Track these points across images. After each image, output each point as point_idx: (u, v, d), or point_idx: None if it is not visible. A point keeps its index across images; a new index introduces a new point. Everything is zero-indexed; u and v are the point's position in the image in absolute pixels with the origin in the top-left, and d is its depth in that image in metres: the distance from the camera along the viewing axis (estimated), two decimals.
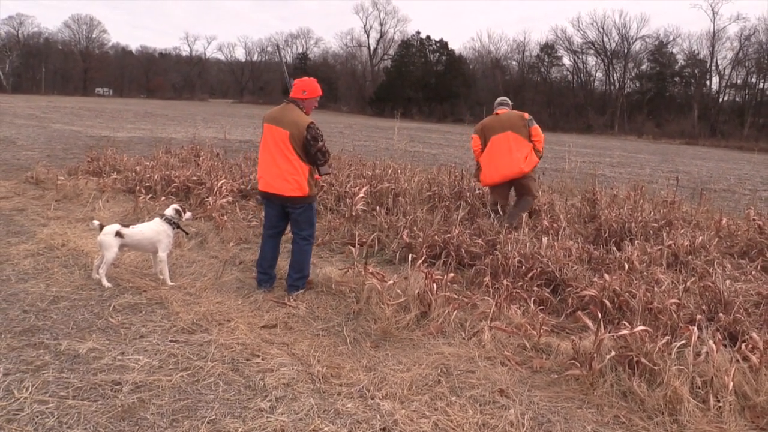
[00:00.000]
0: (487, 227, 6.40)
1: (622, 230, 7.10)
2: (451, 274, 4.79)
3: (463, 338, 4.24)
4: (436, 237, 5.96)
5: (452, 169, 10.29)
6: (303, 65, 64.54)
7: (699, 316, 4.08)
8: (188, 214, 5.34)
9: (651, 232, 7.24)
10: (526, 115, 7.56)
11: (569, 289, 4.97)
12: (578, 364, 3.60)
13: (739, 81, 47.90)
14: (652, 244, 6.50)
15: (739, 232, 7.60)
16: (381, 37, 63.85)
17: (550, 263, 5.23)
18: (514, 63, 56.02)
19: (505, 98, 8.12)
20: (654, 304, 4.31)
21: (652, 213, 7.94)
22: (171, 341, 3.98)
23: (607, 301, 4.49)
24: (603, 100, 49.66)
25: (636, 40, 50.86)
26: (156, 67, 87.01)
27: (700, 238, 6.70)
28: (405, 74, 56.60)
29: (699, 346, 3.58)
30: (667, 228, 7.34)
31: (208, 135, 19.55)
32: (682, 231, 7.09)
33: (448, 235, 5.93)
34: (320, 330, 4.33)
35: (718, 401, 3.30)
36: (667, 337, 3.64)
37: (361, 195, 7.09)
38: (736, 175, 19.46)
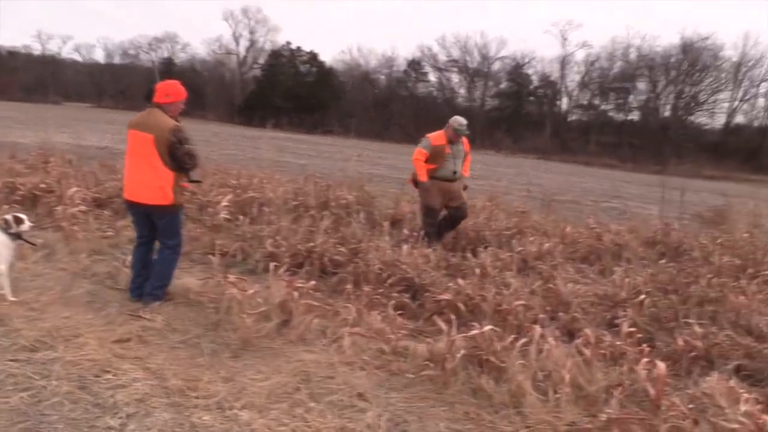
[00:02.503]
0: (350, 235, 6.52)
1: (477, 238, 7.53)
2: (313, 282, 4.84)
3: (324, 345, 4.30)
4: (299, 246, 5.98)
5: (319, 179, 10.36)
6: (169, 70, 61.94)
7: (542, 316, 4.44)
8: (26, 224, 4.83)
9: (504, 239, 7.74)
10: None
11: (427, 294, 5.19)
12: (432, 364, 3.78)
13: (585, 102, 52.51)
14: (505, 251, 6.95)
15: (580, 239, 8.34)
16: (251, 45, 62.96)
17: (409, 270, 5.43)
18: (382, 77, 57.55)
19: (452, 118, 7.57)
20: (503, 306, 4.63)
21: (505, 222, 8.51)
22: (10, 360, 3.68)
23: (461, 304, 4.75)
24: (466, 116, 52.09)
25: (495, 61, 54.21)
26: (3, 65, 79.29)
27: (547, 245, 7.26)
28: (275, 84, 56.08)
29: (541, 343, 3.88)
30: (518, 236, 7.87)
31: (61, 140, 18.17)
32: (531, 238, 7.63)
33: (312, 243, 5.98)
34: (177, 342, 4.19)
35: (556, 393, 3.60)
36: (513, 336, 3.92)
37: (225, 204, 6.95)
38: (582, 187, 21.23)
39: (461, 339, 3.91)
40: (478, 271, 5.69)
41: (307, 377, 3.79)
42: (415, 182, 7.37)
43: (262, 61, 62.43)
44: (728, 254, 7.34)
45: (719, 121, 50.10)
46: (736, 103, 48.67)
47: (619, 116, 52.01)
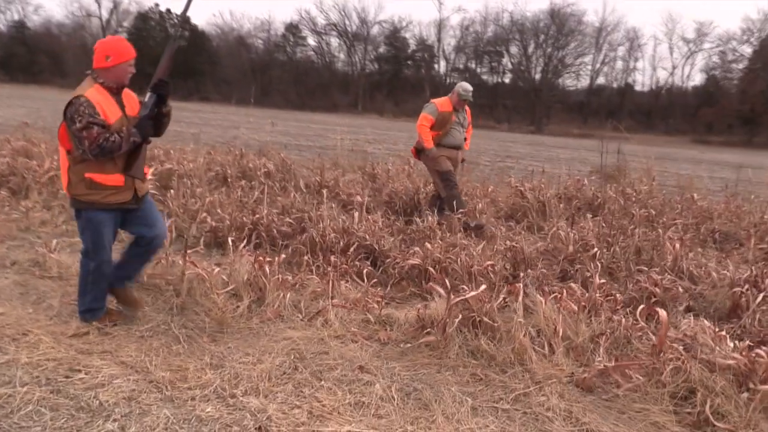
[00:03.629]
0: (289, 205, 6.25)
1: (411, 203, 7.51)
2: (283, 256, 4.59)
3: (303, 320, 4.10)
4: (244, 218, 5.64)
5: (232, 148, 9.86)
6: (21, 35, 55.90)
7: (522, 274, 4.50)
8: None
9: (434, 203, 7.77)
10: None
11: (388, 260, 5.10)
12: (433, 330, 3.71)
13: (461, 65, 54.02)
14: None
15: (500, 198, 8.59)
16: (114, 7, 58.13)
17: (366, 237, 5.30)
18: (259, 42, 55.59)
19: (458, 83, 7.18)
20: (474, 268, 4.64)
21: (431, 186, 8.55)
22: None
23: (431, 269, 4.70)
24: (346, 81, 52.09)
25: (374, 25, 54.07)
26: None
27: (480, 204, 7.39)
28: (143, 49, 52.07)
29: (527, 300, 3.94)
30: None
31: None
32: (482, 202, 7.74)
33: (257, 215, 5.66)
34: (144, 331, 3.81)
35: (551, 347, 3.67)
36: (502, 296, 3.94)
37: (149, 177, 6.38)
38: (472, 149, 21.88)
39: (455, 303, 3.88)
40: (434, 234, 5.67)
41: (300, 355, 3.60)
42: (418, 152, 6.97)
43: (128, 24, 58.03)
44: (639, 206, 7.86)
45: (584, 82, 53.51)
46: (598, 65, 52.15)
47: (493, 79, 54.05)
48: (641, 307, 3.98)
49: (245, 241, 5.40)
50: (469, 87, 6.93)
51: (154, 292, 4.35)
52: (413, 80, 54.13)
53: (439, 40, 53.43)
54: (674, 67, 58.19)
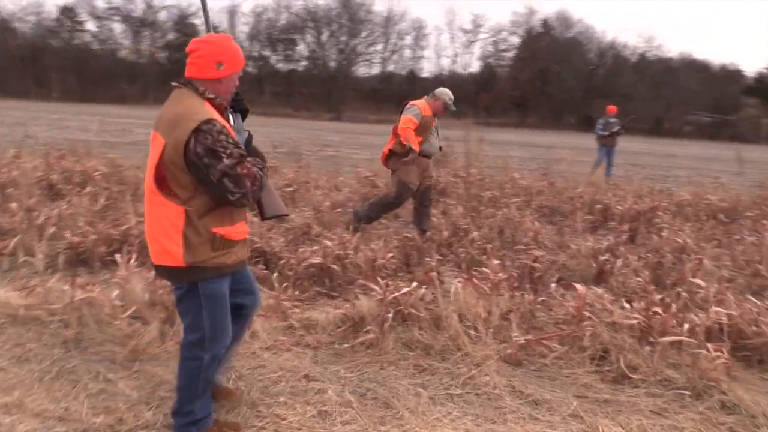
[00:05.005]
0: None
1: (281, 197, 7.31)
2: None
3: None
4: (112, 230, 5.06)
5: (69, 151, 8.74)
6: None
7: (433, 263, 4.64)
8: None
9: (287, 197, 7.66)
10: (408, 104, 6.41)
11: (282, 262, 4.95)
12: (372, 328, 3.71)
13: (255, 53, 52.96)
14: (307, 208, 6.93)
15: (348, 188, 8.74)
16: None
17: (257, 240, 5.08)
18: (29, 26, 49.10)
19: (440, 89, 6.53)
20: (378, 262, 4.71)
21: (279, 180, 8.40)
22: None
23: (334, 266, 4.67)
24: (134, 69, 48.28)
25: (161, 9, 50.80)
26: None
27: (341, 196, 7.46)
28: None
29: (447, 285, 4.11)
30: (301, 191, 7.89)
31: None
32: (319, 193, 7.72)
33: (127, 226, 5.12)
34: (40, 372, 3.29)
35: (476, 329, 3.89)
36: (424, 287, 4.05)
37: None
38: (289, 137, 21.76)
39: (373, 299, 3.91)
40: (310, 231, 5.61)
41: (238, 373, 3.39)
42: (388, 156, 6.33)
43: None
44: (479, 189, 8.51)
45: (376, 70, 55.70)
46: (388, 53, 54.61)
47: (289, 67, 53.94)
48: (554, 284, 4.34)
49: (128, 256, 4.87)
50: (452, 96, 6.45)
51: (35, 326, 3.75)
52: None
53: (231, 26, 51.84)
54: (455, 56, 63.24)
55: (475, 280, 4.26)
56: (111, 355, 3.50)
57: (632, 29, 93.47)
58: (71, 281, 3.79)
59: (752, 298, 4.17)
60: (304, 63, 53.45)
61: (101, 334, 3.64)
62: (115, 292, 3.82)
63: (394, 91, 55.29)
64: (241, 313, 2.84)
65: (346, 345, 3.72)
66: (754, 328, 3.79)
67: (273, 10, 50.77)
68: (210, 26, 2.78)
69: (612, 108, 12.96)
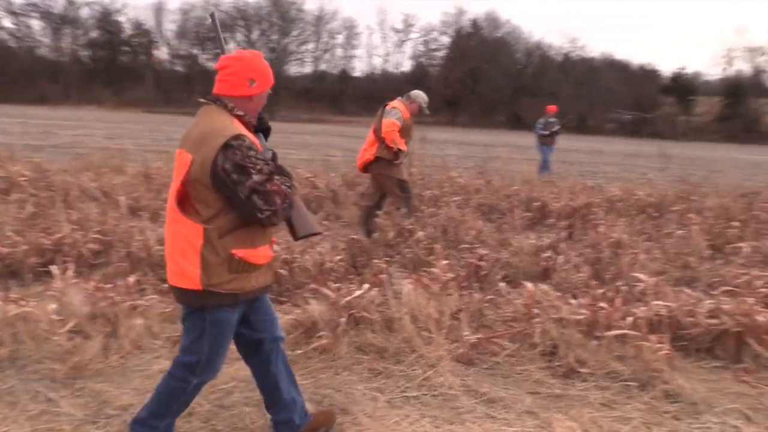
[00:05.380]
0: (94, 217, 5.50)
1: None
2: (133, 278, 4.04)
3: (166, 347, 3.71)
4: (43, 240, 4.80)
5: None
6: None
7: (383, 265, 4.62)
8: None
9: None
10: (388, 106, 6.42)
11: None
12: (325, 333, 3.66)
13: (184, 52, 51.63)
14: None
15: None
16: None
17: None
18: None
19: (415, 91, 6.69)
20: (326, 265, 4.66)
21: None
22: None
23: (282, 270, 4.59)
24: (55, 68, 46.10)
25: (82, 6, 48.69)
26: None
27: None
28: None
29: (397, 288, 4.11)
30: None
31: None
32: None
33: (60, 235, 4.86)
34: None
35: (428, 330, 3.90)
36: (367, 287, 4.04)
37: None
38: None
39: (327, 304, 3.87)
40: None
41: None
42: (371, 163, 6.35)
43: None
44: (418, 188, 8.57)
45: (307, 69, 55.33)
46: (320, 52, 54.36)
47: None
48: (501, 283, 4.40)
49: (63, 267, 4.63)
50: (427, 98, 6.64)
51: None
52: (133, 67, 50.24)
53: (158, 24, 50.32)
54: (387, 55, 63.54)
55: (425, 281, 4.27)
56: (51, 373, 3.32)
57: (557, 30, 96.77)
58: (2, 296, 3.57)
59: (687, 290, 4.38)
60: None
61: (39, 351, 3.44)
62: (52, 306, 3.62)
63: (327, 90, 55.16)
64: (261, 350, 2.69)
65: (298, 351, 3.65)
66: (691, 319, 3.97)
67: (201, 8, 49.51)
68: (224, 46, 2.65)
69: (552, 107, 13.35)
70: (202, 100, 2.47)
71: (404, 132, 6.30)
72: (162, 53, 52.22)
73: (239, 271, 2.38)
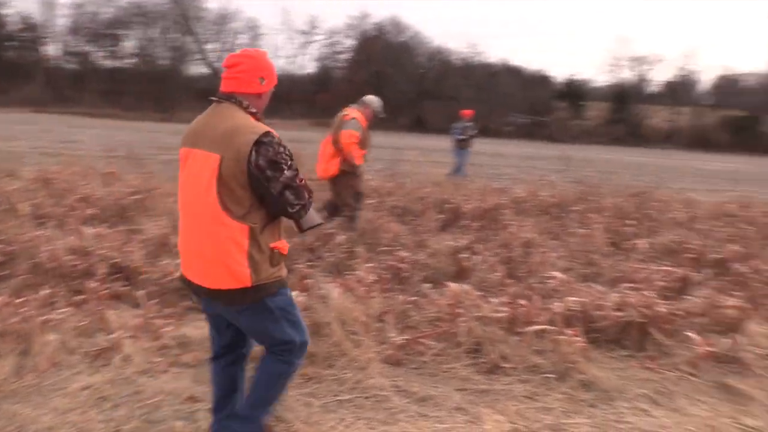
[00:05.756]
0: None
1: (118, 206, 6.84)
2: (44, 291, 3.80)
3: (86, 362, 3.54)
4: None
5: None
6: None
7: (309, 270, 4.60)
8: None
9: (123, 208, 7.17)
10: (346, 117, 6.30)
11: (143, 276, 4.65)
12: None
13: (76, 48, 48.69)
14: (158, 217, 6.56)
15: None
16: None
17: (114, 253, 4.72)
18: None
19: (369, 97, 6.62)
20: None
21: (124, 189, 7.86)
22: None
23: None
24: None
25: None
26: None
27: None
28: None
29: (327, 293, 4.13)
30: (150, 199, 7.46)
31: None
32: (171, 200, 7.34)
33: None
34: None
35: (355, 333, 3.95)
36: (302, 294, 4.03)
37: None
38: (121, 140, 20.30)
39: None
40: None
41: (113, 403, 3.14)
42: (334, 176, 6.35)
43: None
44: None
45: (210, 69, 53.77)
46: (222, 53, 52.97)
47: (115, 63, 50.23)
48: (426, 284, 4.51)
49: None
50: (380, 102, 6.66)
51: None
52: (20, 64, 46.83)
53: (48, 19, 47.20)
54: (292, 56, 62.90)
55: (350, 284, 4.32)
56: None
57: (457, 36, 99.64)
58: None
59: (596, 285, 4.68)
60: (131, 60, 50.07)
61: None
62: None
63: None
64: (239, 352, 2.74)
65: None
66: (600, 312, 4.26)
67: (96, 3, 46.94)
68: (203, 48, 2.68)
69: (467, 112, 13.75)
70: (213, 98, 2.48)
71: (364, 140, 6.37)
72: (52, 49, 49.10)
73: (278, 264, 2.49)
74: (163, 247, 5.38)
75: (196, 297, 2.61)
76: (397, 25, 53.92)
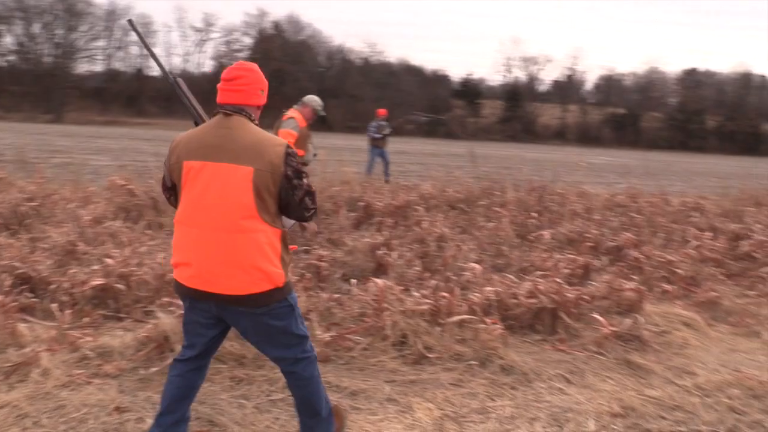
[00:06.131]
0: None
1: (14, 214, 6.43)
2: None
3: (0, 378, 3.34)
4: None
5: None
6: None
7: None
8: None
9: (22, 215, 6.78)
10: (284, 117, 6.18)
11: (53, 286, 4.42)
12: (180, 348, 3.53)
13: None
14: (58, 224, 6.24)
15: (97, 199, 8.04)
16: None
17: (17, 263, 4.45)
18: None
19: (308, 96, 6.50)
20: (167, 276, 4.47)
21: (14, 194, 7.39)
22: None
23: (121, 285, 4.33)
24: None
25: None
26: None
27: (100, 209, 6.85)
28: None
29: None
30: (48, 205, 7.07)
31: None
32: (72, 206, 7.00)
33: None
34: None
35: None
36: None
37: None
38: (3, 144, 18.90)
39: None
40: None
41: (35, 421, 2.99)
42: None
43: None
44: None
45: (100, 67, 51.12)
46: (112, 50, 50.49)
47: None
48: (352, 280, 4.58)
49: None
50: (320, 101, 6.59)
51: None
52: None
53: None
54: (187, 54, 60.88)
55: None
56: None
57: (357, 35, 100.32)
58: None
59: (510, 276, 4.95)
60: (11, 58, 46.57)
61: None
62: None
63: (122, 90, 51.47)
64: (207, 359, 2.79)
65: (154, 369, 3.51)
66: (514, 300, 4.51)
67: None
68: (165, 70, 2.81)
69: (382, 111, 13.89)
70: (225, 111, 2.50)
71: (302, 140, 6.36)
72: None
73: (290, 263, 2.67)
74: (70, 255, 5.13)
75: (198, 306, 2.58)
76: (295, 24, 53.58)
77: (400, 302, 4.29)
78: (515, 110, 55.54)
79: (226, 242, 2.43)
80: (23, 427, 2.91)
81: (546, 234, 6.83)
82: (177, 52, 75.13)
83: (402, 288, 4.55)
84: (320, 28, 78.88)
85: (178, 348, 3.56)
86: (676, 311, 4.93)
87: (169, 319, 3.71)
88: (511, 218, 7.71)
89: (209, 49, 65.22)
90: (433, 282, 4.74)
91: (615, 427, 3.29)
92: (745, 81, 60.11)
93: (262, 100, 2.60)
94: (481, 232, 7.17)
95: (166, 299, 4.05)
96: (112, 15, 48.31)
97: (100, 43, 49.36)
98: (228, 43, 53.99)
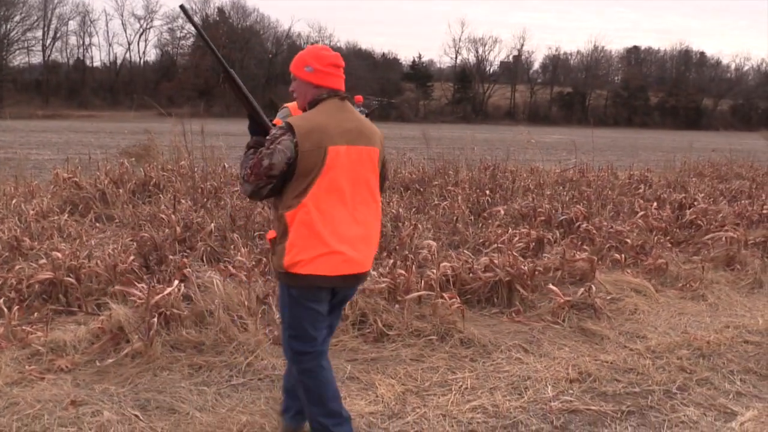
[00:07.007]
0: None
1: None
2: None
3: None
4: None
5: None
6: None
7: (186, 260, 4.44)
8: None
9: None
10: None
11: None
12: (136, 338, 3.46)
13: None
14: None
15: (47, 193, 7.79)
16: None
17: None
18: None
19: None
20: (119, 267, 4.38)
21: None
22: None
23: (71, 279, 4.20)
24: None
25: None
26: None
27: (45, 203, 6.63)
28: None
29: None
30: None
31: None
32: (15, 201, 6.75)
33: None
34: None
35: (242, 317, 3.92)
36: (177, 283, 3.92)
37: None
38: None
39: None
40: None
41: None
42: None
43: None
44: (193, 180, 8.33)
45: (36, 59, 49.13)
46: (49, 40, 48.55)
47: None
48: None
49: None
50: None
51: None
52: None
53: None
54: (129, 43, 59.11)
55: (231, 270, 4.28)
56: None
57: (304, 20, 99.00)
58: None
59: (466, 252, 5.01)
60: None
61: None
62: None
63: (61, 82, 49.69)
64: None
65: (109, 360, 3.43)
66: (471, 275, 4.58)
67: None
68: (223, 62, 2.64)
69: (358, 98, 13.75)
70: (340, 96, 2.57)
71: None
72: None
73: None
74: (15, 250, 4.95)
75: (324, 296, 2.54)
76: (240, 9, 52.56)
77: None
78: (465, 92, 55.97)
79: (373, 222, 2.60)
80: None
81: (500, 210, 6.93)
82: (119, 42, 72.93)
83: None
84: (266, 13, 77.35)
85: (134, 339, 3.52)
86: (627, 279, 5.09)
87: (123, 310, 3.63)
88: (465, 196, 7.81)
89: (152, 37, 63.34)
90: (390, 261, 4.75)
91: (572, 391, 3.39)
92: (686, 58, 62.04)
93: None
94: (436, 211, 7.24)
95: (118, 287, 3.94)
96: (47, 4, 46.36)
97: (37, 33, 47.35)
98: (171, 30, 52.55)
